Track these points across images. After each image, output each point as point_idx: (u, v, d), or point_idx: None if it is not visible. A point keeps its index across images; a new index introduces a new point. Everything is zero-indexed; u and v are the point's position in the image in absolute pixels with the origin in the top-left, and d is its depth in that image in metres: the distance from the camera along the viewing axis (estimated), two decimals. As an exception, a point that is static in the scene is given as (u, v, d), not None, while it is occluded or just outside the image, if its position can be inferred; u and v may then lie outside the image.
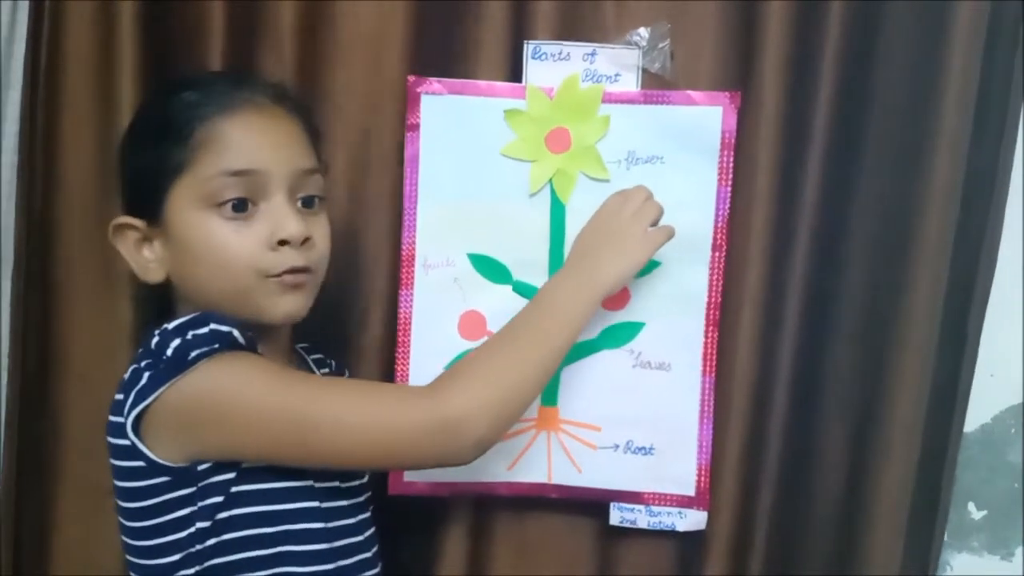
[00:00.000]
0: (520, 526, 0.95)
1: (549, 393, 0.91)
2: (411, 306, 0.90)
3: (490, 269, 0.90)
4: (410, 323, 0.90)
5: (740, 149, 0.88)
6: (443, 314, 0.90)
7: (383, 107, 0.90)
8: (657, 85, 0.88)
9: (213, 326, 0.70)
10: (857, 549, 0.92)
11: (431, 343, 0.90)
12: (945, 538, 1.01)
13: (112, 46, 0.90)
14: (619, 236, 0.83)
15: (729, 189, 0.88)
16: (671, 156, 0.88)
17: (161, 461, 0.69)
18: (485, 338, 0.90)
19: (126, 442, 0.70)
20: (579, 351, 0.90)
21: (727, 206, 0.88)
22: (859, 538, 0.92)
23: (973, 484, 1.01)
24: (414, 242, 0.89)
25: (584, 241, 0.85)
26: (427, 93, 0.87)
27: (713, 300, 0.90)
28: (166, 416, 0.69)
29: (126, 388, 0.71)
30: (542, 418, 0.92)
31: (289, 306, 0.75)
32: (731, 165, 0.88)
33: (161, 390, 0.68)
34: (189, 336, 0.69)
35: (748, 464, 0.92)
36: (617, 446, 0.91)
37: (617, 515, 0.92)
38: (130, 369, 0.72)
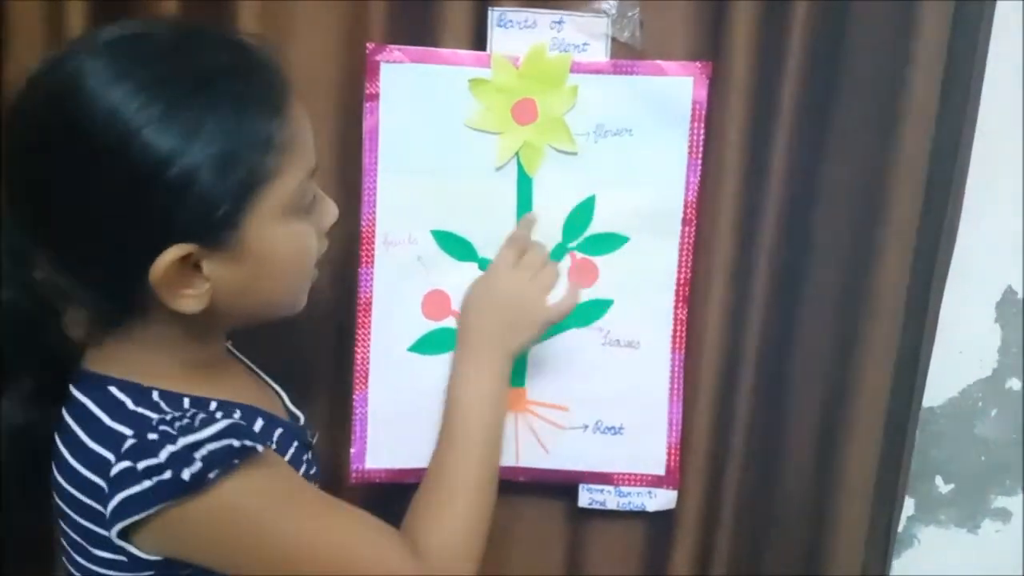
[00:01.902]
0: None
1: (516, 373, 0.89)
2: (371, 285, 0.87)
3: (455, 246, 0.87)
4: (371, 303, 0.87)
5: (709, 121, 0.86)
6: (406, 293, 0.87)
7: (345, 78, 0.86)
8: (626, 55, 0.85)
9: (230, 441, 0.59)
10: (824, 524, 0.92)
11: (394, 324, 0.87)
12: (913, 512, 1.02)
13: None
14: (519, 311, 0.79)
15: (700, 162, 0.86)
16: (641, 128, 0.85)
17: (144, 556, 0.62)
18: (450, 318, 0.87)
19: (102, 532, 0.62)
20: (548, 330, 0.86)
21: (697, 179, 0.86)
22: (827, 513, 0.91)
23: (941, 458, 1.01)
24: (374, 218, 0.86)
25: (479, 317, 0.79)
26: (387, 62, 0.84)
27: (683, 276, 0.88)
28: (164, 528, 0.60)
29: (112, 482, 0.60)
30: (509, 399, 0.88)
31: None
32: (702, 137, 0.85)
33: (165, 505, 0.59)
34: (203, 451, 0.58)
35: (717, 441, 0.91)
36: (586, 426, 0.90)
37: (586, 496, 0.91)
38: (113, 454, 0.60)
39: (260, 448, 0.61)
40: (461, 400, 0.76)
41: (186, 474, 0.58)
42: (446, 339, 0.86)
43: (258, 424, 0.68)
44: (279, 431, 0.70)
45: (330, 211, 0.70)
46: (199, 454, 0.58)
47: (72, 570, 0.67)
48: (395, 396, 0.86)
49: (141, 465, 0.59)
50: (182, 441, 0.58)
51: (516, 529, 0.93)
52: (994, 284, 0.97)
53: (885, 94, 0.85)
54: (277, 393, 0.79)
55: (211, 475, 0.58)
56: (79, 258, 0.61)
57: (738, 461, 0.92)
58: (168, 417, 0.61)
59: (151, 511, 0.59)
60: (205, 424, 0.60)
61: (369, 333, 0.87)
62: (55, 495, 0.66)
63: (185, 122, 0.58)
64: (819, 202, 0.89)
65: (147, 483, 0.58)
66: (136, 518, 0.59)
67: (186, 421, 0.60)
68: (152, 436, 0.59)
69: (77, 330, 0.66)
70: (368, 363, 0.87)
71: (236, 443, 0.59)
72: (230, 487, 0.59)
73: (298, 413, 0.79)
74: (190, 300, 0.62)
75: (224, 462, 0.59)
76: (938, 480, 1.02)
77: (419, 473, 0.84)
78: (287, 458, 0.69)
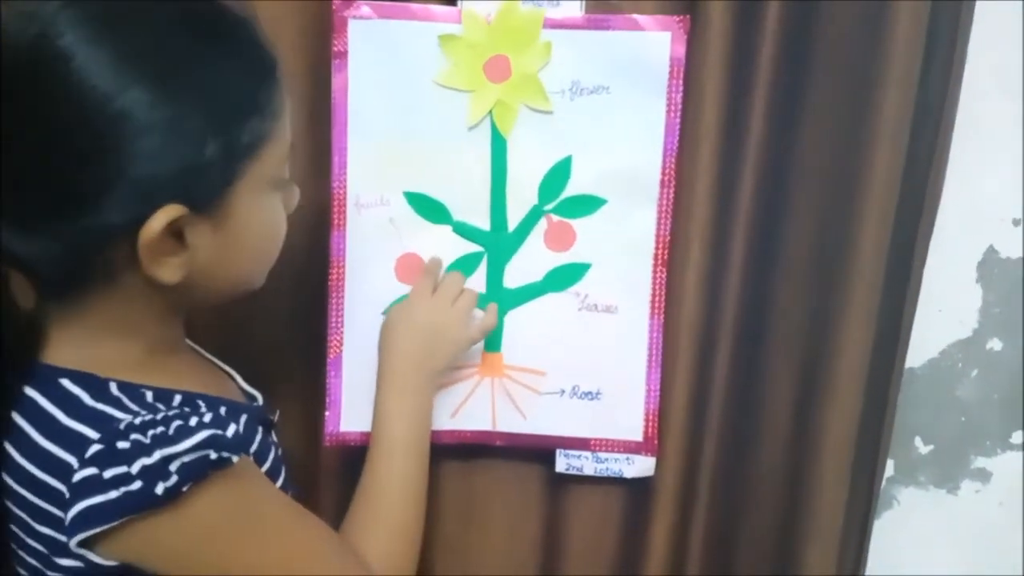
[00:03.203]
0: (466, 476, 0.92)
1: (493, 339, 0.88)
2: (344, 249, 0.85)
3: (428, 208, 0.85)
4: (343, 267, 0.85)
5: (687, 79, 0.83)
6: (379, 257, 0.85)
7: (311, 36, 0.83)
8: (602, 10, 0.82)
9: (207, 452, 0.56)
10: (804, 487, 0.91)
11: (367, 288, 0.85)
12: (892, 473, 1.02)
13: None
14: (439, 335, 0.81)
15: (678, 120, 0.84)
16: (617, 86, 0.83)
17: (103, 563, 0.58)
18: None
19: (60, 537, 0.58)
20: (523, 294, 0.87)
21: (676, 139, 0.84)
22: (806, 478, 0.91)
23: (920, 419, 1.01)
24: (345, 180, 0.83)
25: (400, 342, 0.81)
26: (355, 18, 0.81)
27: (661, 239, 0.86)
28: (127, 537, 0.57)
29: (75, 488, 0.56)
30: (486, 364, 0.88)
31: None
32: (680, 95, 0.83)
33: (131, 517, 0.56)
34: (179, 464, 0.55)
35: (695, 407, 0.90)
36: (563, 391, 0.89)
37: (563, 462, 0.90)
38: (75, 457, 0.57)
39: (235, 459, 0.58)
40: (387, 421, 0.78)
41: (160, 488, 0.55)
42: (419, 304, 0.85)
43: (222, 413, 0.64)
44: (244, 417, 0.66)
45: (295, 193, 0.69)
46: (174, 466, 0.55)
47: (24, 572, 0.63)
48: (369, 359, 0.84)
49: (109, 474, 0.55)
50: (158, 453, 0.55)
51: (494, 494, 0.92)
52: (976, 244, 0.96)
53: (867, 51, 0.83)
54: (229, 375, 0.77)
55: (184, 488, 0.56)
56: (51, 209, 0.55)
57: (716, 426, 0.91)
58: (138, 422, 0.57)
59: (116, 523, 0.56)
60: (182, 435, 0.56)
61: (342, 297, 0.85)
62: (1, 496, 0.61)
63: (190, 79, 0.56)
64: (799, 162, 0.87)
65: (114, 493, 0.55)
66: (99, 529, 0.56)
67: (160, 430, 0.56)
68: (123, 444, 0.56)
69: (26, 300, 0.62)
70: (342, 327, 0.86)
71: (213, 455, 0.57)
72: (201, 500, 0.57)
73: (254, 392, 0.77)
74: (170, 268, 0.59)
75: (199, 474, 0.56)
76: (917, 441, 1.02)
77: None
78: (255, 445, 0.66)
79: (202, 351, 0.76)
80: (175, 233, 0.58)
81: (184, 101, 0.56)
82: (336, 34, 0.81)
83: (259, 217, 0.63)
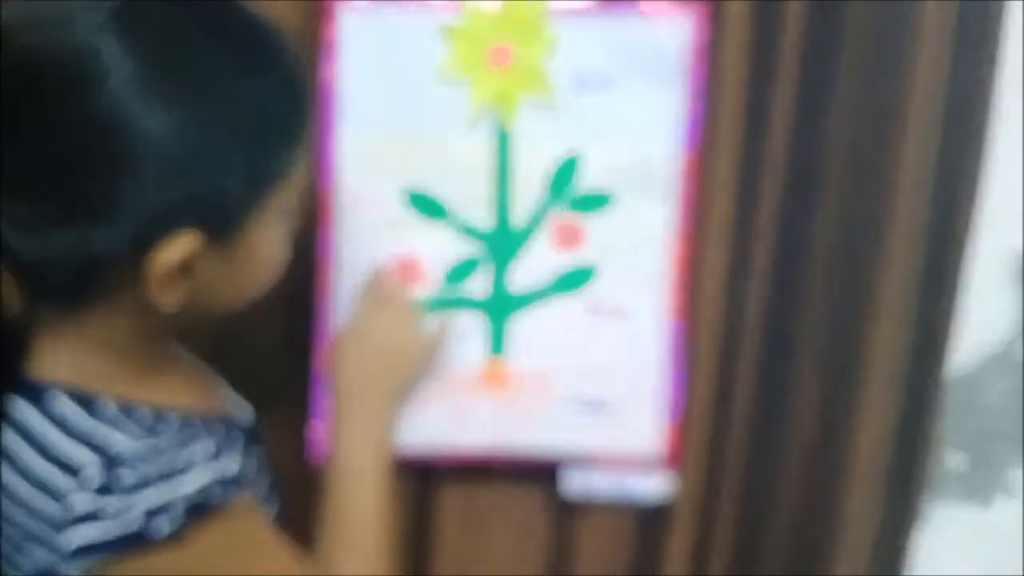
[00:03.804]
0: (466, 495, 0.88)
1: (496, 344, 0.83)
2: (330, 250, 0.80)
3: (426, 207, 0.81)
4: (330, 270, 0.81)
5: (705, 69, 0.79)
6: (373, 259, 0.81)
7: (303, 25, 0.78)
8: (612, -3, 0.78)
9: (212, 492, 0.57)
10: (834, 504, 0.88)
11: (358, 294, 0.81)
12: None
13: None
14: (394, 352, 0.78)
15: (701, 109, 0.79)
16: (628, 77, 0.79)
17: None
18: (424, 284, 0.82)
19: (53, 557, 0.56)
20: (528, 297, 0.83)
21: (699, 129, 0.80)
22: (835, 497, 0.87)
23: (950, 430, 0.96)
24: (335, 176, 0.79)
25: (353, 365, 0.77)
26: (347, 6, 0.76)
27: (683, 235, 0.82)
28: (118, 565, 0.56)
29: (71, 513, 0.55)
30: (489, 370, 0.84)
31: None
32: (703, 83, 0.79)
33: (130, 552, 0.55)
34: (185, 505, 0.56)
35: (717, 418, 0.86)
36: (571, 403, 0.84)
37: (571, 481, 0.86)
38: (72, 480, 0.55)
39: (238, 497, 0.59)
40: (354, 450, 0.75)
41: (165, 529, 0.55)
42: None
43: (220, 437, 0.63)
44: (237, 435, 0.67)
45: (297, 215, 0.66)
46: (180, 507, 0.55)
47: None
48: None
49: (109, 506, 0.54)
50: (166, 494, 0.55)
51: (498, 514, 0.88)
52: (1009, 250, 0.91)
53: (897, 30, 0.79)
54: (218, 384, 0.74)
55: (185, 526, 0.56)
56: (64, 216, 0.54)
57: (740, 439, 0.87)
58: (143, 449, 0.56)
59: (110, 558, 0.55)
60: (190, 471, 0.56)
61: (330, 306, 0.81)
62: None
63: (227, 106, 0.56)
64: (826, 155, 0.83)
65: (113, 527, 0.54)
66: (92, 563, 0.55)
67: (166, 465, 0.56)
68: (126, 476, 0.55)
69: (10, 306, 0.59)
70: (326, 334, 0.81)
71: (218, 494, 0.57)
72: (201, 536, 0.56)
73: (240, 401, 0.74)
74: (173, 295, 0.57)
75: (202, 514, 0.56)
76: (948, 453, 0.97)
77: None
78: (248, 465, 0.65)
79: (187, 356, 0.73)
80: (184, 261, 0.56)
81: (219, 128, 0.55)
82: (325, 23, 0.76)
83: (266, 246, 0.62)
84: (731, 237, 0.83)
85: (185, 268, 0.56)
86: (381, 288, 0.80)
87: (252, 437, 0.71)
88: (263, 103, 0.57)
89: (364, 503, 0.73)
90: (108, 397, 0.58)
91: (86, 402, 0.57)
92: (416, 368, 0.80)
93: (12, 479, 0.56)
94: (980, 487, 0.98)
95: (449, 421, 0.84)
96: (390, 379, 0.78)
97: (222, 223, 0.57)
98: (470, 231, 0.81)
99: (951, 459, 0.98)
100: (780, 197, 0.83)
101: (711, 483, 0.87)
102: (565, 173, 0.81)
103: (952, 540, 0.99)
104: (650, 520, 0.88)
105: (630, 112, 0.79)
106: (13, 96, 0.52)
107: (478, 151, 0.80)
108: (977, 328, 0.93)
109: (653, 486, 0.85)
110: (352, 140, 0.78)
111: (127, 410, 0.58)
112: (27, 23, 0.53)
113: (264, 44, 0.58)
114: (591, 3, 0.77)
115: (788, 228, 0.84)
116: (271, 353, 0.84)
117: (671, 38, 0.78)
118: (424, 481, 0.87)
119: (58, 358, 0.59)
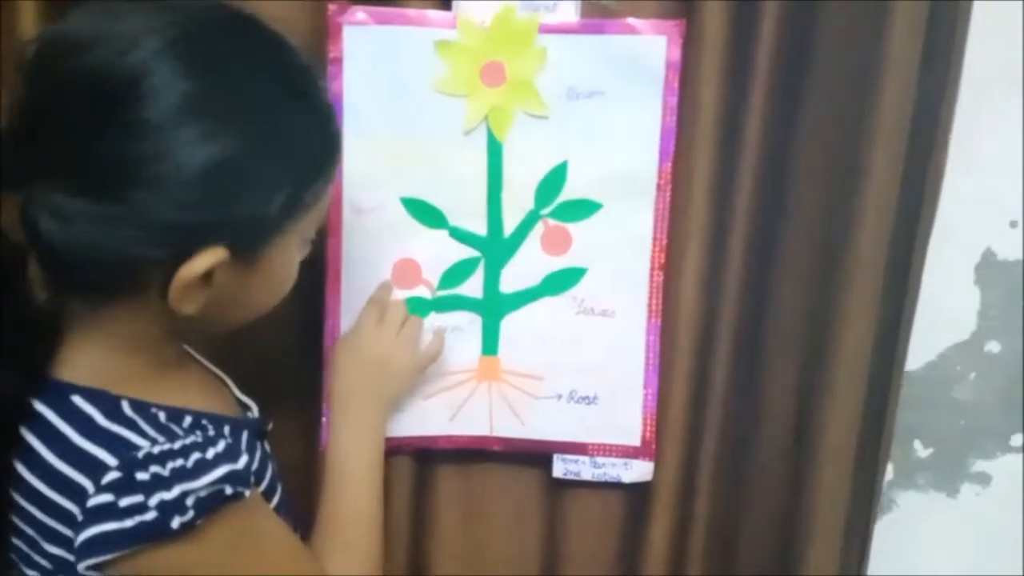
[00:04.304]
0: (464, 481, 0.92)
1: (490, 342, 0.87)
2: (340, 254, 0.84)
3: (424, 213, 0.85)
4: (340, 275, 0.85)
5: (683, 82, 0.83)
6: (376, 263, 0.85)
7: (308, 42, 0.80)
8: (597, 14, 0.82)
9: (223, 487, 0.58)
10: (805, 488, 0.91)
11: (364, 294, 0.85)
12: (891, 476, 1.01)
13: None
14: (387, 366, 0.81)
15: (675, 122, 0.83)
16: (613, 90, 0.83)
17: None
18: (421, 287, 0.86)
19: (67, 556, 0.58)
20: (521, 299, 0.87)
21: (672, 142, 0.84)
22: (806, 479, 0.90)
23: (918, 422, 1.01)
24: (341, 186, 0.83)
25: (349, 377, 0.81)
26: (350, 24, 0.81)
27: (658, 241, 0.86)
28: (131, 560, 0.57)
29: (89, 513, 0.56)
30: (483, 368, 0.88)
31: None
32: (676, 99, 0.83)
33: (142, 547, 0.57)
34: (196, 498, 0.57)
35: (693, 410, 0.90)
36: (560, 396, 0.88)
37: (560, 467, 0.90)
38: (90, 481, 0.56)
39: (248, 493, 0.60)
40: (347, 460, 0.78)
41: (176, 523, 0.56)
42: (416, 309, 0.86)
43: (230, 436, 0.65)
44: (245, 434, 0.69)
45: (311, 248, 0.70)
46: (191, 501, 0.56)
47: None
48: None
49: (125, 502, 0.56)
50: (177, 489, 0.56)
51: (492, 498, 0.92)
52: (974, 246, 0.95)
53: (865, 51, 0.83)
54: (224, 381, 0.77)
55: (197, 521, 0.57)
56: (102, 212, 0.55)
57: (715, 430, 0.91)
58: (157, 451, 0.57)
59: (126, 551, 0.56)
60: (201, 469, 0.57)
61: (339, 303, 0.85)
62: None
63: (276, 134, 0.58)
64: (797, 163, 0.87)
65: (129, 522, 0.56)
66: (109, 557, 0.56)
67: (179, 463, 0.57)
68: (141, 475, 0.56)
69: (40, 292, 0.61)
70: (338, 332, 0.85)
71: (228, 490, 0.58)
72: (212, 532, 0.58)
73: (248, 402, 0.77)
74: (192, 303, 0.59)
75: (212, 508, 0.57)
76: (916, 444, 1.02)
77: (396, 442, 0.86)
78: (256, 463, 0.67)
79: (196, 355, 0.75)
80: (207, 272, 0.58)
81: (263, 157, 0.58)
82: (332, 40, 0.81)
83: (284, 268, 0.64)
84: (707, 241, 0.86)
85: (207, 279, 0.59)
86: (381, 303, 0.83)
87: (259, 433, 0.73)
88: (304, 136, 0.60)
89: (355, 505, 0.76)
90: (124, 398, 0.60)
91: (103, 403, 0.59)
92: (408, 380, 0.84)
93: (31, 478, 0.58)
94: (948, 478, 1.02)
95: (447, 414, 0.88)
96: (380, 392, 0.81)
97: (250, 243, 0.60)
98: (465, 236, 0.85)
99: (920, 451, 1.02)
100: (753, 203, 0.86)
101: (689, 470, 0.91)
102: (554, 180, 0.85)
103: (922, 528, 1.03)
104: (634, 504, 0.92)
105: (616, 124, 0.83)
106: (74, 100, 0.55)
107: (472, 161, 0.84)
108: (944, 324, 0.97)
109: (634, 473, 0.89)
110: (355, 151, 0.82)
111: (143, 411, 0.60)
112: (96, 39, 0.55)
113: (307, 79, 0.61)
114: (579, 20, 0.81)
115: (761, 233, 0.87)
116: (283, 355, 0.88)
117: (654, 55, 0.82)
118: (424, 469, 0.90)
119: (79, 359, 0.61)
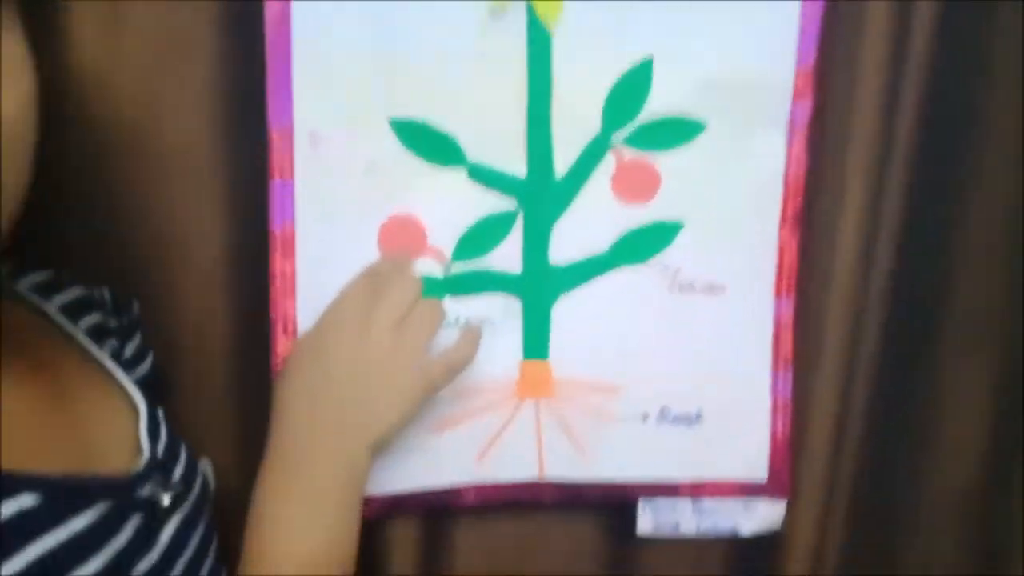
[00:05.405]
0: (499, 545, 0.70)
1: (535, 340, 0.64)
2: (291, 210, 0.59)
3: (430, 144, 0.60)
4: (292, 238, 0.59)
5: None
6: (353, 220, 0.60)
7: None
8: None
9: None
10: (1000, 534, 0.72)
11: (333, 270, 0.60)
12: None
13: None
14: (371, 383, 0.54)
15: (821, 6, 0.60)
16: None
17: None
18: (427, 258, 0.62)
19: None
20: (580, 271, 0.64)
21: (818, 26, 0.60)
22: (1007, 520, 0.71)
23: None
24: (291, 104, 0.57)
25: (301, 403, 0.54)
26: None
27: (792, 184, 0.63)
28: None
29: None
30: (526, 379, 0.64)
31: None
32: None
33: None
34: None
35: (841, 430, 0.69)
36: (646, 415, 0.66)
37: (649, 520, 0.69)
38: None
39: None
40: (284, 538, 0.52)
41: None
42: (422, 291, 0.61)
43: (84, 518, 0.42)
44: (106, 505, 0.44)
45: None
46: None
47: None
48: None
49: None
50: None
51: (543, 566, 0.70)
52: None
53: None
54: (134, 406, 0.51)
55: None
56: None
57: (864, 456, 0.70)
58: None
59: None
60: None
61: (293, 286, 0.60)
62: None
63: None
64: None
65: None
66: None
67: None
68: None
69: None
70: (296, 332, 0.60)
71: None
72: None
73: (152, 443, 0.50)
74: None
75: None
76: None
77: (403, 501, 0.64)
78: (123, 542, 0.44)
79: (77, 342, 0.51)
80: None
81: None
82: None
83: None
84: (869, 182, 0.64)
85: None
86: (375, 280, 0.58)
87: (151, 506, 0.48)
88: None
89: None
90: None
91: None
92: (411, 409, 0.56)
93: None
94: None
95: (473, 451, 0.65)
96: (357, 435, 0.55)
97: None
98: (494, 179, 0.61)
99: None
100: (919, 134, 0.64)
101: (826, 515, 0.70)
102: (632, 88, 0.61)
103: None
104: (756, 561, 0.72)
105: (727, 4, 0.60)
106: None
107: (504, 64, 0.59)
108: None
109: (758, 520, 0.69)
110: (310, 45, 0.57)
111: None
112: None
113: None
114: None
115: (936, 177, 0.66)
116: (214, 368, 0.63)
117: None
118: (438, 528, 0.69)
119: None
